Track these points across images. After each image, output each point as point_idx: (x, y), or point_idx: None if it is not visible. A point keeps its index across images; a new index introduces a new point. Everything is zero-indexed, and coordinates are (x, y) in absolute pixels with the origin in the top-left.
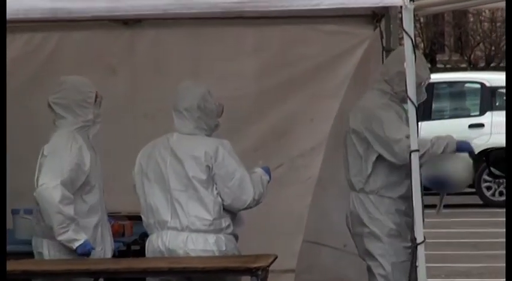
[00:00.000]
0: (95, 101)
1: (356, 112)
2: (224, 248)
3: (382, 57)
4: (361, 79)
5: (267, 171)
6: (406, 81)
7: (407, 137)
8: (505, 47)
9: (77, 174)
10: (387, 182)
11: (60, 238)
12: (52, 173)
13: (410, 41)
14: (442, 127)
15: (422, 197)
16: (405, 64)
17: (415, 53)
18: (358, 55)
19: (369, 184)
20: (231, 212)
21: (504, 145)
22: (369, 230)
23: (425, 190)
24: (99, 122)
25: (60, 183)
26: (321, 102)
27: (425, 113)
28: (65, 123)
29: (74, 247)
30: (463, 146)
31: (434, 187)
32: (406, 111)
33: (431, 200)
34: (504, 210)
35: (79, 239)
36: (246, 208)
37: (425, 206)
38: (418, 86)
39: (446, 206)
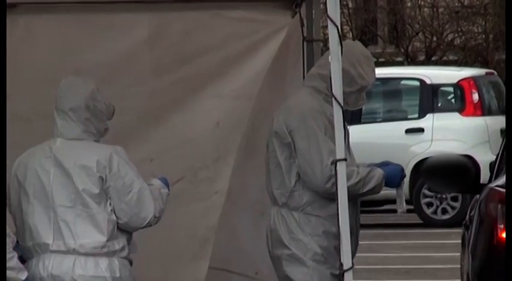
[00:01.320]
0: None
1: (281, 112)
2: (118, 275)
3: (303, 50)
4: (279, 75)
5: (166, 183)
6: (331, 78)
7: (332, 163)
8: (448, 37)
9: None
10: (315, 197)
11: (9, 264)
12: None
13: (336, 30)
14: (374, 132)
15: (358, 215)
16: (330, 57)
17: (341, 43)
18: (273, 47)
19: (294, 198)
20: (125, 232)
21: (444, 153)
22: (290, 252)
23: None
24: None
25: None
26: (230, 102)
27: (354, 115)
28: None
29: (23, 278)
30: (391, 179)
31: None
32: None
33: (366, 219)
34: (447, 230)
35: (24, 270)
36: (144, 227)
37: (360, 226)
38: (361, 90)
39: (378, 226)
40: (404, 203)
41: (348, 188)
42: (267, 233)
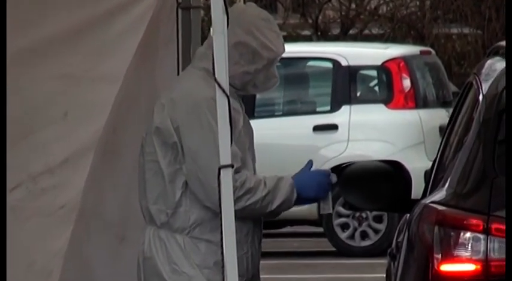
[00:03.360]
0: None
1: (165, 102)
2: None
3: (177, 19)
4: (148, 52)
5: None
6: (213, 56)
7: (237, 171)
8: (371, 5)
9: None
10: (207, 217)
11: None
12: None
13: None
14: (272, 130)
15: (261, 240)
16: (212, 30)
17: (227, 12)
18: (138, 15)
19: (178, 216)
20: None
21: (365, 158)
22: None
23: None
24: None
25: None
26: (83, 86)
27: (246, 107)
28: None
29: None
30: (304, 190)
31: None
32: (243, 107)
33: (270, 245)
34: (368, 261)
35: None
36: None
37: (262, 254)
38: (269, 65)
39: (277, 255)
40: (330, 204)
41: (254, 204)
42: (139, 262)
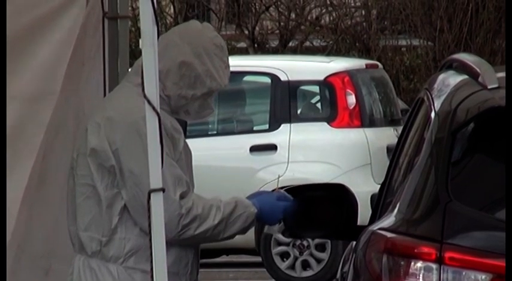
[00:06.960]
0: None
1: (100, 122)
2: None
3: (103, 31)
4: (74, 67)
5: None
6: (142, 70)
7: (182, 196)
8: (313, 14)
9: None
10: (143, 244)
11: None
12: None
13: (150, 3)
14: (206, 151)
15: (198, 272)
16: (141, 42)
17: (157, 22)
18: (64, 26)
19: (112, 244)
20: None
21: (307, 181)
22: None
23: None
24: None
25: None
26: (8, 107)
27: None
28: None
29: None
30: (268, 218)
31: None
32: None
33: (204, 276)
34: None
35: None
36: None
37: None
38: (208, 94)
39: None
40: (277, 224)
41: (204, 232)
42: None
